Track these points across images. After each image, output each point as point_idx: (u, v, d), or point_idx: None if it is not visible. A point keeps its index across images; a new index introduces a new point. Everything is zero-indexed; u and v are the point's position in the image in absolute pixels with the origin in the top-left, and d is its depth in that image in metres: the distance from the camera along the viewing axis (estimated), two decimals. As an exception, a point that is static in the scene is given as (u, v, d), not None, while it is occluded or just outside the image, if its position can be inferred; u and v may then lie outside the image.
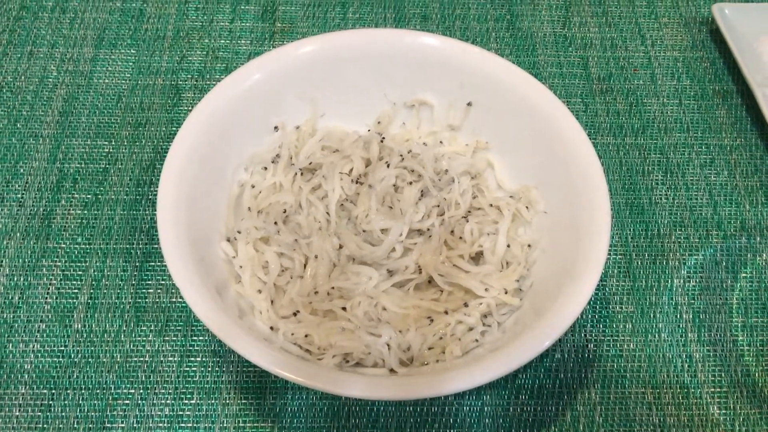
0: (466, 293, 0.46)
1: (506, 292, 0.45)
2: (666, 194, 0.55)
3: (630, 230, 0.54)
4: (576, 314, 0.40)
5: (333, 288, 0.45)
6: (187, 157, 0.45)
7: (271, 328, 0.44)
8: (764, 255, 0.53)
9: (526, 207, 0.49)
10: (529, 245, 0.48)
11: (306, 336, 0.43)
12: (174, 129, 0.57)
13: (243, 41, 0.63)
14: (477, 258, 0.48)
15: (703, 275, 0.52)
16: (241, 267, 0.46)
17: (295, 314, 0.45)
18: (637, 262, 0.52)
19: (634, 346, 0.49)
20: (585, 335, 0.49)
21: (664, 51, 0.64)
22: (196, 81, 0.60)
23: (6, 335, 0.47)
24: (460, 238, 0.48)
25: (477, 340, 0.44)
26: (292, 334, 0.43)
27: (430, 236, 0.47)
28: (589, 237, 0.43)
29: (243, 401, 0.46)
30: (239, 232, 0.47)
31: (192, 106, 0.58)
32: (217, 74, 0.61)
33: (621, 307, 0.50)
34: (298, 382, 0.37)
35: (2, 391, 0.45)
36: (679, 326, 0.49)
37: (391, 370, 0.43)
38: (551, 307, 0.41)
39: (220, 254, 0.46)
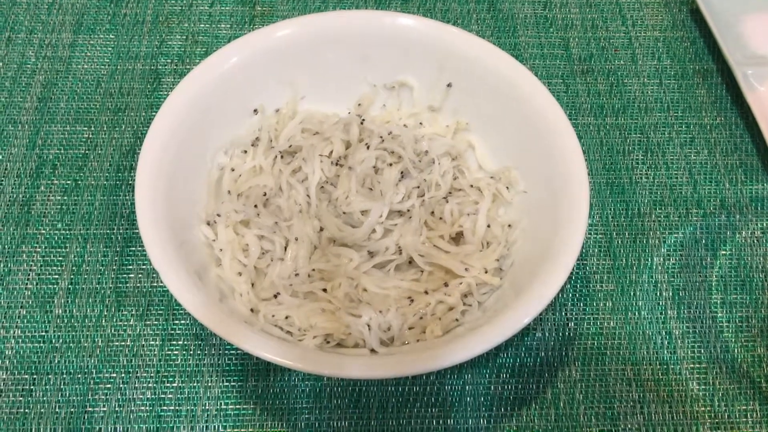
0: (446, 273, 0.46)
1: (486, 272, 0.45)
2: (646, 173, 0.56)
3: (611, 209, 0.54)
4: (554, 292, 0.40)
5: (314, 270, 0.45)
6: (166, 141, 0.45)
7: (252, 310, 0.44)
8: (743, 233, 0.53)
9: (507, 187, 0.49)
10: (509, 225, 0.48)
11: (286, 318, 0.43)
12: (154, 113, 0.56)
13: (223, 25, 0.63)
14: (457, 238, 0.48)
15: (682, 253, 0.52)
16: (221, 250, 0.46)
17: (275, 296, 0.44)
18: (618, 241, 0.52)
19: (614, 324, 0.49)
20: (565, 314, 0.49)
21: (645, 31, 0.64)
22: (176, 65, 0.60)
23: (-14, 322, 0.47)
24: (441, 218, 0.48)
25: (457, 320, 0.44)
26: (273, 316, 0.43)
27: (410, 217, 0.47)
28: (568, 216, 0.43)
29: (225, 384, 0.46)
30: (219, 216, 0.47)
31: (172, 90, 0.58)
32: (197, 58, 0.60)
33: (601, 286, 0.50)
34: (284, 364, 0.37)
35: (-17, 377, 0.45)
36: (658, 304, 0.50)
37: (372, 350, 0.43)
38: (530, 285, 0.41)
39: (201, 238, 0.46)
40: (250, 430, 0.45)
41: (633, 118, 0.59)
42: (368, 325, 0.42)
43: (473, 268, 0.45)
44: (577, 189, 0.44)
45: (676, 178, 0.55)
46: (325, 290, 0.45)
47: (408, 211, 0.47)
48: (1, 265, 0.49)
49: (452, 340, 0.40)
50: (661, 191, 0.55)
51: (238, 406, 0.45)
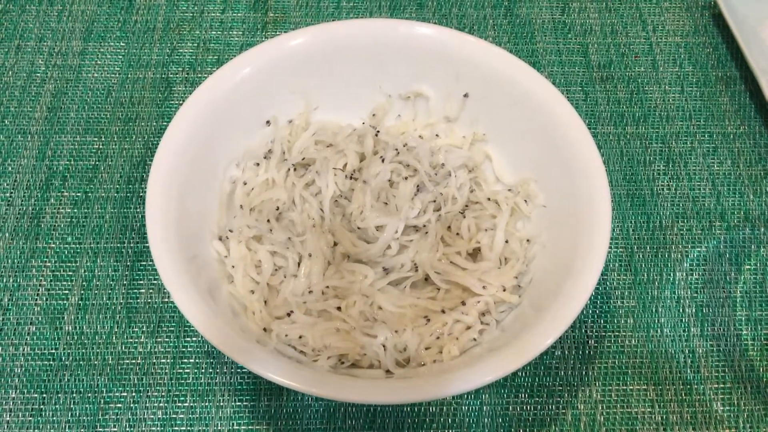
0: (463, 291, 0.45)
1: (505, 290, 0.44)
2: (668, 185, 0.54)
3: (631, 222, 0.52)
4: (577, 312, 0.39)
5: (328, 287, 0.44)
6: (177, 153, 0.44)
7: (264, 329, 0.43)
8: (769, 246, 0.52)
9: (525, 201, 0.48)
10: (528, 240, 0.47)
11: (300, 337, 0.42)
12: (165, 124, 0.56)
13: (235, 32, 0.62)
14: (474, 254, 0.47)
15: (706, 268, 0.51)
16: (233, 267, 0.45)
17: (289, 314, 0.43)
18: (639, 255, 0.51)
19: (636, 342, 0.48)
20: (585, 331, 0.48)
21: (666, 36, 0.62)
22: (188, 74, 0.59)
23: (-4, 338, 0.47)
24: (457, 234, 0.47)
25: (475, 339, 0.43)
26: (286, 336, 0.42)
27: (426, 233, 0.46)
28: (589, 231, 0.42)
29: (237, 403, 0.45)
30: (231, 231, 0.46)
31: (183, 100, 0.57)
32: (208, 66, 0.59)
33: (622, 302, 0.49)
34: (293, 387, 0.36)
35: (-8, 396, 0.45)
36: (681, 321, 0.48)
37: (388, 371, 0.42)
38: (551, 304, 0.40)
39: (212, 253, 0.45)
40: (262, 450, 0.44)
41: (654, 127, 0.57)
42: (384, 346, 0.41)
43: (491, 285, 0.44)
44: (599, 203, 0.43)
45: (699, 189, 0.54)
46: (339, 308, 0.44)
47: (424, 226, 0.46)
48: (11, 280, 0.49)
49: (471, 362, 0.38)
50: (683, 203, 0.53)
51: (250, 427, 0.44)
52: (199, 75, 0.59)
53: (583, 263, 0.41)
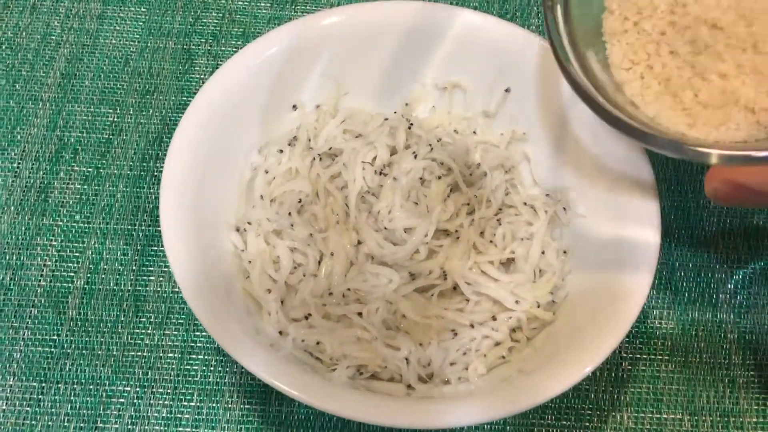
0: (494, 304, 0.42)
1: (539, 306, 0.41)
2: (715, 197, 0.51)
3: (674, 236, 0.49)
4: (621, 336, 0.36)
5: (349, 289, 0.41)
6: (197, 134, 0.41)
7: (280, 332, 0.40)
8: (819, 271, 0.48)
9: (564, 208, 0.45)
10: (564, 252, 0.44)
11: (318, 344, 0.39)
12: (185, 98, 0.53)
13: (263, 4, 0.58)
14: (507, 263, 0.44)
15: (751, 291, 0.47)
16: (250, 262, 0.42)
17: (306, 317, 0.41)
18: (680, 273, 0.48)
19: (673, 367, 0.45)
20: (620, 352, 0.45)
21: (721, 36, 0.58)
22: (211, 46, 0.56)
23: (-5, 319, 0.44)
24: (491, 241, 0.44)
25: (504, 357, 0.40)
26: (303, 341, 0.39)
27: (457, 238, 0.43)
28: (634, 247, 0.39)
29: (246, 406, 0.42)
30: (249, 223, 0.43)
31: (205, 74, 0.54)
32: (233, 39, 0.56)
33: (660, 323, 0.46)
34: (306, 401, 0.34)
35: (-11, 381, 0.42)
36: (722, 347, 0.45)
37: (409, 386, 0.39)
38: (590, 326, 0.38)
39: (228, 246, 0.42)
40: (270, 458, 0.41)
41: (703, 133, 0.53)
42: (407, 360, 0.39)
43: (524, 300, 0.41)
44: (647, 214, 0.40)
45: (748, 204, 0.51)
46: (360, 314, 0.41)
47: (456, 231, 0.43)
48: (14, 258, 0.46)
49: (501, 387, 0.36)
50: (730, 218, 0.50)
51: (259, 433, 0.42)
52: (223, 48, 0.55)
53: (628, 281, 0.38)
